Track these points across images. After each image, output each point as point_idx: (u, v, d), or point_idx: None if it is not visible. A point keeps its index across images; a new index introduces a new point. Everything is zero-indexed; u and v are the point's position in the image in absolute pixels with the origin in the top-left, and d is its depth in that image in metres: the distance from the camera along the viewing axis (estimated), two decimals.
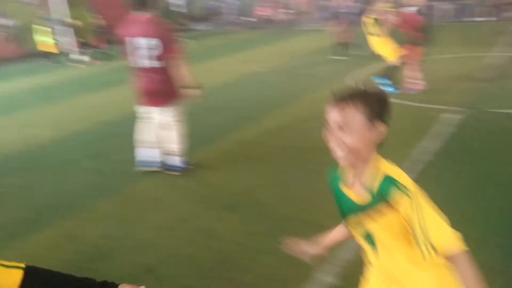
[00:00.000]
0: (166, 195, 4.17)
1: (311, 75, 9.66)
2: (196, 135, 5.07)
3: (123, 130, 5.86)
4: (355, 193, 1.42)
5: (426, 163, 4.25)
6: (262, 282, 2.76)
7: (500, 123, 5.37)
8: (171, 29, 4.33)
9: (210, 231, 3.44)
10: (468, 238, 1.34)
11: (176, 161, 4.52)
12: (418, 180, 1.43)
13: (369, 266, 1.59)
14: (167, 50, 4.11)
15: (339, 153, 1.34)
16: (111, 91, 9.75)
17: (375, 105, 1.34)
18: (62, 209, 4.03)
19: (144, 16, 4.14)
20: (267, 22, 24.45)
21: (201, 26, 27.36)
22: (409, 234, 1.32)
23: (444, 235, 1.29)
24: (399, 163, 1.41)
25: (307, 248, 1.71)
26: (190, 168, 4.58)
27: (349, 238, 1.66)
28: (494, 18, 16.79)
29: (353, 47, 11.47)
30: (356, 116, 1.31)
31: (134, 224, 3.66)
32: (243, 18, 26.88)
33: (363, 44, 9.69)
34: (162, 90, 4.23)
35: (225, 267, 2.95)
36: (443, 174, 4.02)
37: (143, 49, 4.12)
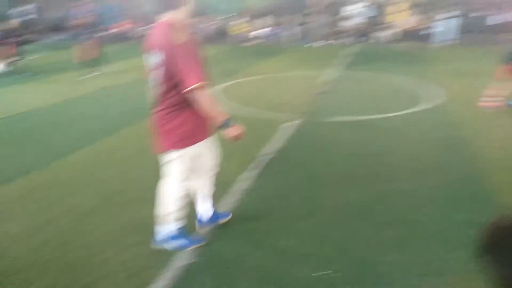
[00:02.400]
0: None
1: None
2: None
3: None
4: None
5: (265, 163, 5.07)
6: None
7: (324, 129, 6.57)
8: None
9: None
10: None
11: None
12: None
13: None
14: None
15: None
16: None
17: None
18: None
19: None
20: (126, 37, 23.78)
21: (53, 37, 25.31)
22: None
23: None
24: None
25: None
26: None
27: None
28: (330, 42, 19.64)
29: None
30: None
31: None
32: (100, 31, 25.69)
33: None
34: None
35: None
36: (278, 171, 4.88)
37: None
